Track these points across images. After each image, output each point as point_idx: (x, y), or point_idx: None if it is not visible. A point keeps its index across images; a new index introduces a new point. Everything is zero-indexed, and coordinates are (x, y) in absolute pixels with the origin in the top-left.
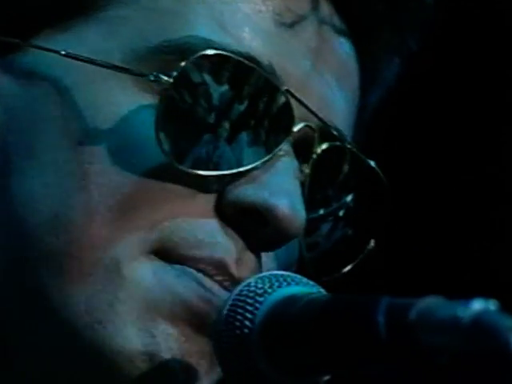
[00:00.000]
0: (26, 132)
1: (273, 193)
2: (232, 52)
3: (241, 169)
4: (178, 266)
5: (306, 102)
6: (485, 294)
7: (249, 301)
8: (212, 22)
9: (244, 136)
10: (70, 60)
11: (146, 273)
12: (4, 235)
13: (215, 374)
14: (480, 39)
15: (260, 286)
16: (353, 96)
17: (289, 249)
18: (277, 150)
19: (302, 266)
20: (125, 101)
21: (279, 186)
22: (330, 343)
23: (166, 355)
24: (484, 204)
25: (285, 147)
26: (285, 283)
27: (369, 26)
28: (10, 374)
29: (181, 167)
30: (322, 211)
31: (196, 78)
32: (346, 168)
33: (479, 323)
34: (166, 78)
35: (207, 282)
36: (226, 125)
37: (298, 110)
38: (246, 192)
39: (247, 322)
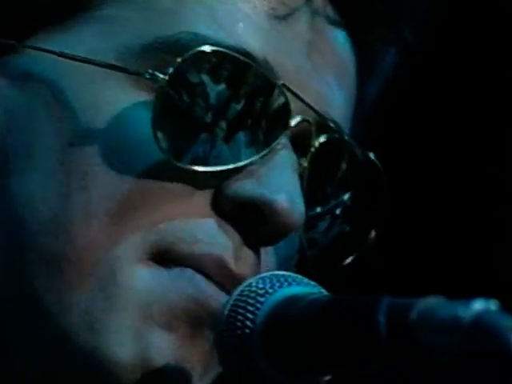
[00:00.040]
0: (25, 133)
1: (271, 187)
2: (227, 48)
3: (239, 164)
4: (175, 271)
5: (302, 95)
6: (485, 294)
7: (250, 301)
8: (206, 18)
9: (241, 131)
10: (65, 60)
11: (142, 280)
12: (4, 235)
13: (210, 377)
14: (480, 39)
15: (261, 286)
16: (349, 88)
17: (287, 243)
18: (274, 144)
19: (302, 266)
20: (121, 100)
21: (277, 181)
22: (331, 343)
23: (161, 362)
24: (484, 204)
25: (282, 141)
26: (286, 283)
27: (363, 16)
28: (10, 374)
29: (179, 164)
30: (321, 204)
31: (192, 74)
32: (344, 160)
33: (480, 323)
34: (161, 76)
35: (205, 284)
36: (223, 121)
37: (294, 103)
38: (245, 187)
39: (248, 323)
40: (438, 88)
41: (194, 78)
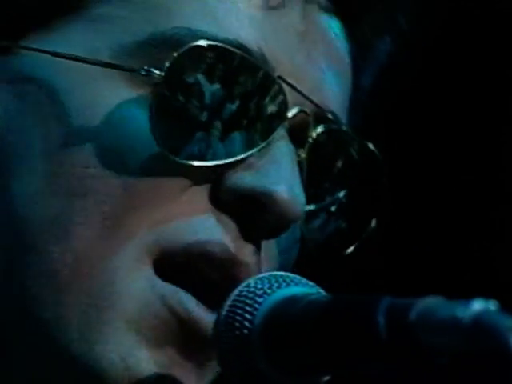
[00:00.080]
0: (23, 134)
1: (270, 179)
2: (222, 42)
3: (238, 157)
4: (168, 288)
5: (298, 86)
6: (485, 294)
7: (248, 301)
8: (200, 12)
9: (239, 125)
10: (60, 60)
11: (136, 291)
12: (4, 235)
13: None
14: (480, 39)
15: (259, 286)
16: (345, 77)
17: (288, 235)
18: (272, 136)
19: (300, 266)
20: (117, 98)
21: (277, 172)
22: (331, 343)
23: (149, 379)
24: (484, 204)
25: (280, 133)
26: (284, 284)
27: (357, 4)
28: (9, 374)
29: (177, 160)
30: (320, 195)
31: (188, 69)
32: (343, 151)
33: (479, 323)
34: (157, 72)
35: (195, 305)
36: (220, 115)
37: (291, 95)
38: (244, 179)
39: (246, 323)
40: (437, 88)
41: (190, 73)
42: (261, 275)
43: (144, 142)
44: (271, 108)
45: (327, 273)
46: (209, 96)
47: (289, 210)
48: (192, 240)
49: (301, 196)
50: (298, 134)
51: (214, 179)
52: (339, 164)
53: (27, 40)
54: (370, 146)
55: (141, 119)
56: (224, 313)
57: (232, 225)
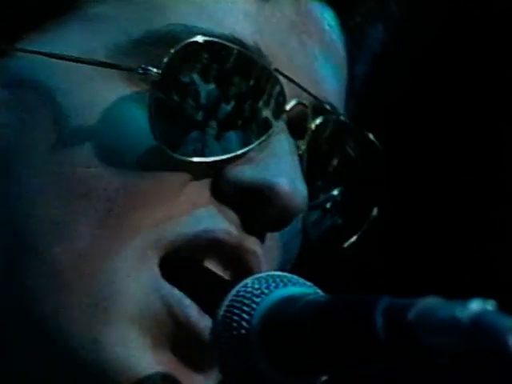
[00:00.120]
0: (23, 136)
1: (271, 171)
2: (219, 37)
3: (238, 152)
4: (169, 288)
5: (295, 78)
6: (485, 294)
7: (245, 301)
8: (195, 8)
9: (238, 119)
10: (56, 61)
11: (138, 291)
12: (5, 235)
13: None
14: (480, 39)
15: (257, 286)
16: (340, 66)
17: (290, 229)
18: (271, 129)
19: (298, 265)
20: (114, 98)
21: (277, 165)
22: (329, 343)
23: (151, 379)
24: (484, 204)
25: (279, 126)
26: (281, 284)
27: None
28: (9, 375)
29: (177, 157)
30: (321, 187)
31: (184, 66)
32: (342, 141)
33: (478, 323)
34: (154, 70)
35: (196, 311)
36: (219, 111)
37: (288, 87)
38: (245, 173)
39: (244, 323)
40: (437, 88)
41: (187, 70)
42: (258, 275)
43: (143, 140)
44: (269, 101)
45: (326, 273)
46: (206, 93)
47: (291, 202)
48: (199, 229)
49: (302, 188)
50: (296, 127)
51: (214, 175)
52: (339, 154)
53: (23, 42)
54: (370, 136)
55: (140, 118)
56: (221, 313)
57: (235, 217)
